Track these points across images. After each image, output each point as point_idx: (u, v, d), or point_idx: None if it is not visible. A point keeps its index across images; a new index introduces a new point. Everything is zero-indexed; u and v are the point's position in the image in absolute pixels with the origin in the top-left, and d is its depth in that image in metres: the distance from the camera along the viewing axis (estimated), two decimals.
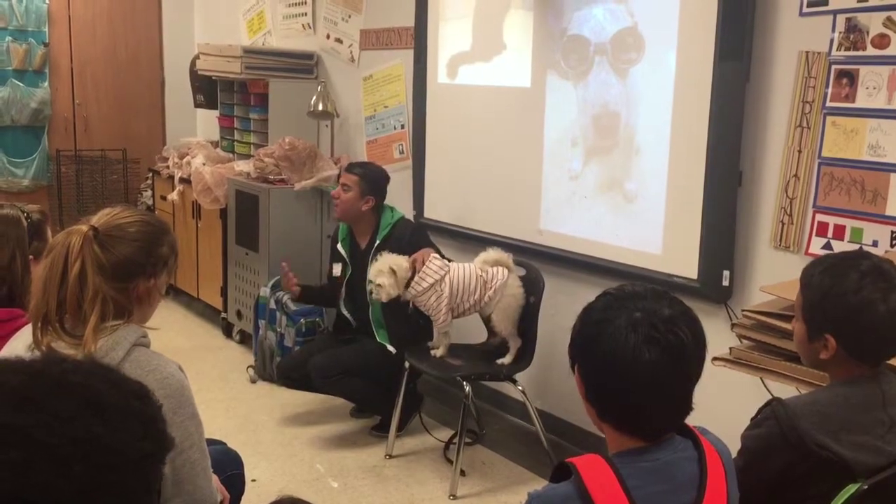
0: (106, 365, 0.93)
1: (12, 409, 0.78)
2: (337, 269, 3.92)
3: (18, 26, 5.91)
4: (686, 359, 1.33)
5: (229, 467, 2.29)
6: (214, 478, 2.01)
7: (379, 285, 3.40)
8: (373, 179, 3.79)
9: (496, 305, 3.43)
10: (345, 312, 3.93)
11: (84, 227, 1.68)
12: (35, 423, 0.78)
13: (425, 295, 3.40)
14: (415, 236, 3.73)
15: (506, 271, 3.45)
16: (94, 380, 0.86)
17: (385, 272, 3.39)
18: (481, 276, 3.43)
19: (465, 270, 3.44)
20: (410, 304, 3.51)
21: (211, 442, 2.38)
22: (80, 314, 1.65)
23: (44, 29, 6.01)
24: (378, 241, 3.73)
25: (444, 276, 3.41)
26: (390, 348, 3.67)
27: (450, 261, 3.55)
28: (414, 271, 3.42)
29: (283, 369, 3.98)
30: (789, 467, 1.61)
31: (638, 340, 1.31)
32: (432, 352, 3.54)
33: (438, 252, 3.62)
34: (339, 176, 4.66)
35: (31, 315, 1.66)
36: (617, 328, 1.33)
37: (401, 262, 3.43)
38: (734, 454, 1.55)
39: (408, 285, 3.41)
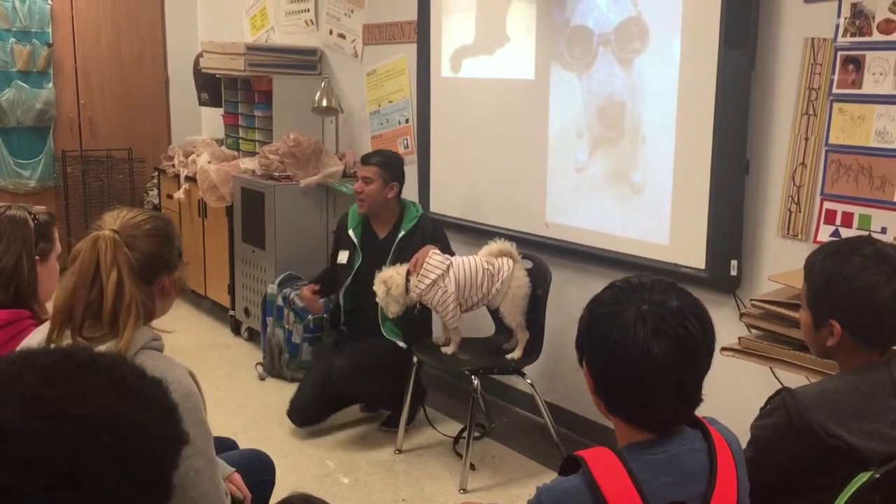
0: (130, 359, 0.96)
1: (43, 383, 0.83)
2: (343, 257, 3.83)
3: (22, 27, 5.91)
4: (695, 351, 1.32)
5: (260, 473, 2.28)
6: (237, 478, 2.01)
7: (376, 293, 3.44)
8: (392, 165, 3.77)
9: (504, 298, 3.42)
10: (341, 302, 3.84)
11: (107, 232, 1.69)
12: (64, 395, 0.83)
13: (430, 292, 3.40)
14: (435, 233, 3.74)
15: (511, 262, 3.44)
16: (121, 365, 0.91)
17: (380, 292, 3.41)
18: (487, 268, 3.42)
19: (470, 264, 3.43)
20: (417, 304, 3.51)
21: (223, 443, 2.37)
22: (100, 319, 1.65)
23: (47, 30, 6.01)
24: (403, 233, 3.70)
25: (446, 270, 3.40)
26: (401, 344, 3.65)
27: (453, 255, 3.55)
28: (410, 273, 3.42)
29: (299, 413, 3.75)
30: (799, 457, 1.60)
31: (646, 334, 1.30)
32: (443, 348, 3.53)
33: (449, 250, 3.62)
34: (343, 173, 4.67)
35: (53, 320, 1.67)
36: (625, 322, 1.31)
37: (391, 275, 3.43)
38: (744, 445, 1.55)
39: (408, 290, 3.41)
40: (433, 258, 3.43)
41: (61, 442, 0.80)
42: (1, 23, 5.85)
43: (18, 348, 1.80)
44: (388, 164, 3.75)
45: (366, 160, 3.81)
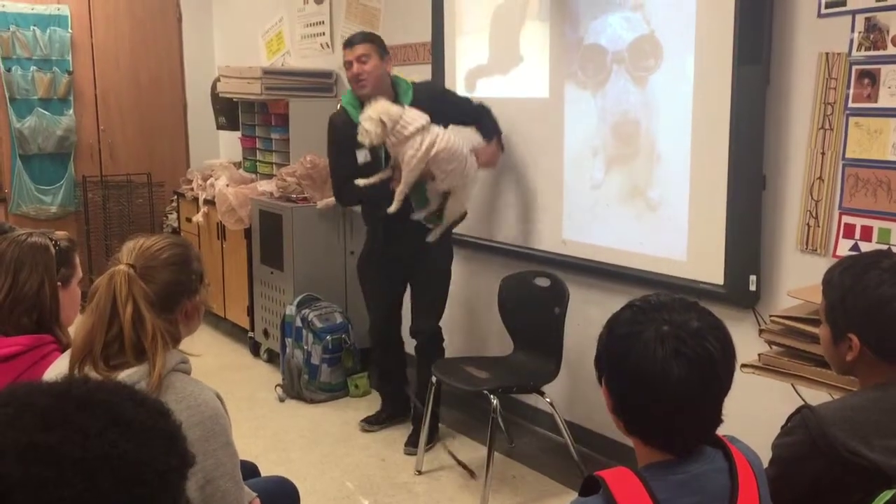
0: (129, 385, 0.95)
1: (40, 428, 0.81)
2: (363, 155, 3.62)
3: (43, 56, 6.00)
4: (715, 372, 1.31)
5: (284, 501, 2.29)
6: (257, 503, 2.01)
7: (366, 130, 3.39)
8: (380, 40, 3.73)
9: (459, 188, 3.55)
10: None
11: (123, 267, 1.70)
12: (63, 440, 0.81)
13: (406, 145, 3.41)
14: (435, 90, 3.75)
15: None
16: (118, 398, 0.89)
17: (374, 119, 3.37)
18: (472, 151, 3.56)
19: (459, 136, 3.52)
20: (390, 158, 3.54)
21: (245, 467, 2.38)
22: (124, 352, 1.67)
23: (67, 57, 6.10)
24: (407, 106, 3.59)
25: (426, 125, 3.42)
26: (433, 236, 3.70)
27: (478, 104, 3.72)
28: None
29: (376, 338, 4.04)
30: (821, 475, 1.58)
31: (666, 355, 1.29)
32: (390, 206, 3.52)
33: (468, 107, 3.74)
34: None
35: (72, 357, 1.68)
36: (645, 342, 1.31)
37: (391, 109, 3.42)
38: (766, 463, 1.54)
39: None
40: (411, 111, 3.45)
41: (63, 488, 0.78)
42: (22, 51, 5.94)
43: (25, 381, 1.82)
44: (378, 40, 3.70)
45: (354, 40, 3.65)
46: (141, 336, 1.66)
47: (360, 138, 3.40)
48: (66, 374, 1.66)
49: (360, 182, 3.57)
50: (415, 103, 3.60)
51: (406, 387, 4.07)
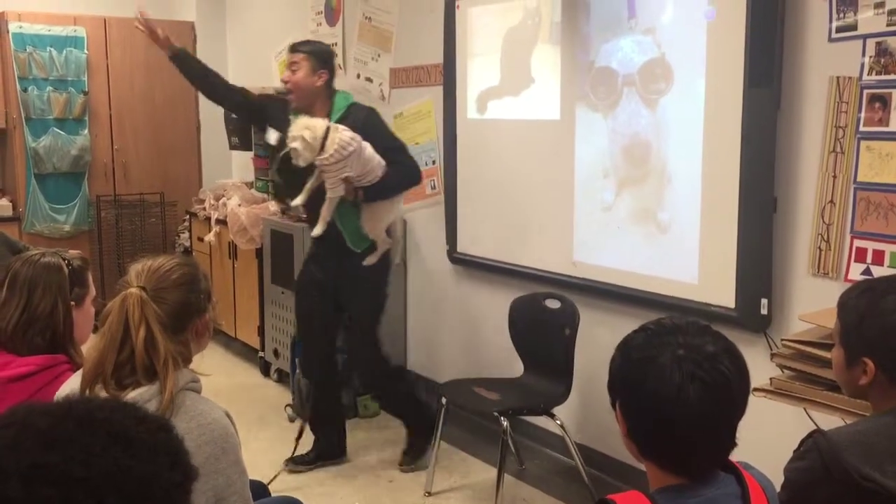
0: (129, 402, 0.96)
1: (43, 448, 0.81)
2: (273, 137, 3.69)
3: (59, 76, 6.07)
4: (731, 396, 1.31)
5: None
6: None
7: (295, 149, 3.41)
8: (320, 53, 3.63)
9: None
10: (278, 179, 3.89)
11: (134, 290, 1.71)
12: (67, 459, 0.80)
13: (337, 164, 3.43)
14: (368, 120, 3.63)
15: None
16: (120, 415, 0.89)
17: (299, 138, 3.38)
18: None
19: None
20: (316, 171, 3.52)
21: (254, 487, 2.38)
22: (133, 373, 1.68)
23: (83, 78, 6.16)
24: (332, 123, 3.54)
25: (354, 150, 3.42)
26: (369, 260, 3.66)
27: (398, 142, 3.70)
28: (326, 138, 3.40)
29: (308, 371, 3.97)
30: (833, 500, 1.57)
31: (682, 379, 1.29)
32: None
33: (389, 138, 3.66)
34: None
35: (83, 380, 1.69)
36: (661, 367, 1.31)
37: (316, 123, 3.42)
38: (778, 488, 1.53)
39: (324, 147, 3.41)
40: (344, 133, 3.43)
41: None
42: (38, 72, 6.00)
43: (25, 402, 1.83)
44: (317, 52, 3.62)
45: (295, 48, 3.63)
46: (153, 359, 1.67)
47: (293, 160, 3.45)
48: (71, 394, 1.67)
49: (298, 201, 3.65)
50: (342, 122, 3.56)
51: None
